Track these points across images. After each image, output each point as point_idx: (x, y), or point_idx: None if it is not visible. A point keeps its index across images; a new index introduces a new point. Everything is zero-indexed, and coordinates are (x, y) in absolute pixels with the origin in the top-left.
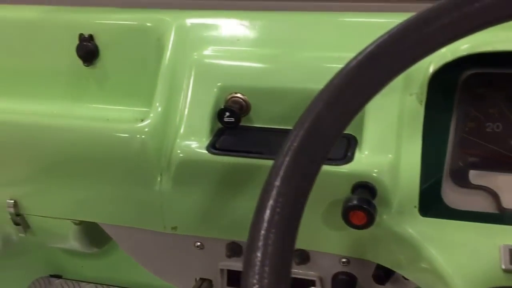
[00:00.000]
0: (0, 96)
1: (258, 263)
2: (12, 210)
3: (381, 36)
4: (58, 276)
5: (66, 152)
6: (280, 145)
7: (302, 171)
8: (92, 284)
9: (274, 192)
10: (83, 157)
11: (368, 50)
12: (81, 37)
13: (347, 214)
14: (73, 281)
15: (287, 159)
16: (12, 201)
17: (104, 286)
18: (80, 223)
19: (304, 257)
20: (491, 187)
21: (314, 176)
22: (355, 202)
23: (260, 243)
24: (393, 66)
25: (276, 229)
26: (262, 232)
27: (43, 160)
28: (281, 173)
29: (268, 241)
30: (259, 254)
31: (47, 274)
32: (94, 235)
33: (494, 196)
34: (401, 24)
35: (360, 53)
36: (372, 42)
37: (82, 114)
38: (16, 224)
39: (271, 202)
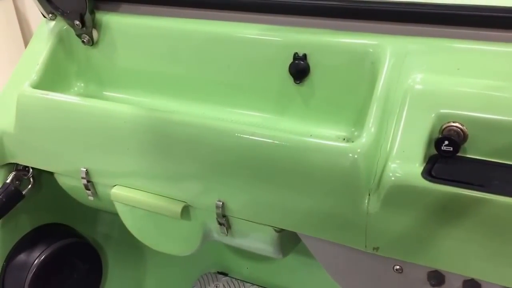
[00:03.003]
0: (211, 104)
1: None
2: (219, 210)
3: None
4: (225, 274)
5: (274, 162)
6: None
7: None
8: (255, 286)
9: None
10: (290, 169)
11: None
12: (295, 55)
13: None
14: (239, 281)
15: None
16: (221, 202)
17: None
18: (281, 231)
19: None
20: None
21: None
22: None
23: None
24: None
25: None
26: None
27: (252, 167)
28: None
29: None
30: None
31: (215, 270)
32: (286, 242)
33: None
34: None
35: None
36: None
37: (284, 127)
38: (220, 224)
39: None
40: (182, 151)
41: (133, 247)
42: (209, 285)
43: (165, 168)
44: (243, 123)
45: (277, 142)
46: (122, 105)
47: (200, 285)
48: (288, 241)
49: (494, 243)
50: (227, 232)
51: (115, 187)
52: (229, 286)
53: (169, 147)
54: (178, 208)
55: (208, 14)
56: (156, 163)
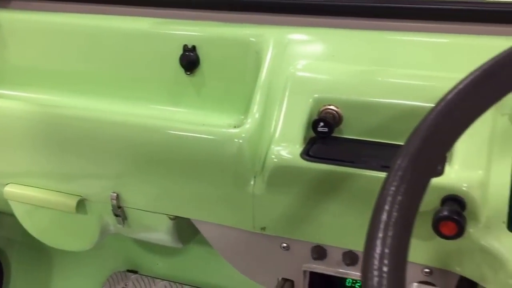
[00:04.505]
0: (107, 98)
1: (378, 252)
2: (114, 202)
3: (496, 56)
4: (134, 272)
5: (166, 152)
6: (385, 153)
7: (419, 173)
8: (166, 282)
9: (392, 190)
10: (181, 157)
11: (483, 68)
12: (185, 47)
13: (437, 224)
14: (148, 277)
15: (405, 161)
16: (115, 194)
17: (178, 284)
18: (175, 218)
19: None
20: None
21: (429, 178)
22: (446, 213)
23: (380, 235)
24: (506, 84)
25: (395, 223)
26: (382, 225)
27: (144, 158)
28: (399, 173)
29: (387, 232)
30: (379, 243)
31: (124, 269)
32: (184, 231)
33: None
34: None
35: (475, 70)
36: (487, 61)
37: (180, 118)
38: (116, 215)
39: (389, 199)
40: (73, 145)
41: (37, 249)
42: (119, 284)
43: (57, 163)
44: (137, 115)
45: (166, 131)
46: (12, 102)
47: (110, 285)
48: (186, 229)
49: (365, 215)
50: (124, 223)
51: (8, 185)
52: (139, 284)
53: (61, 141)
54: (73, 202)
55: (98, 8)
56: (49, 158)
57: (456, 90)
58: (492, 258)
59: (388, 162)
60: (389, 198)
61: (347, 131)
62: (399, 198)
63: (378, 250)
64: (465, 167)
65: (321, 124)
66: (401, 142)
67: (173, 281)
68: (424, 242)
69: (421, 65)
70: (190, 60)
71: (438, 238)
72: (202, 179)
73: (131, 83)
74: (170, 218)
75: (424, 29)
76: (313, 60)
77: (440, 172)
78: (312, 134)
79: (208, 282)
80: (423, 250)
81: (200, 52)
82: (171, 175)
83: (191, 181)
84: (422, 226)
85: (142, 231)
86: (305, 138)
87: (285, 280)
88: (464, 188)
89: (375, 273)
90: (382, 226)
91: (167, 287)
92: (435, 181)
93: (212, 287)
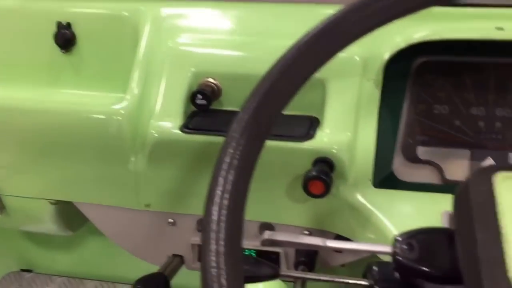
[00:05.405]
0: None
1: (219, 193)
2: None
3: (327, 18)
4: (29, 271)
5: (43, 134)
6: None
7: (258, 125)
8: (63, 278)
9: (234, 143)
10: (59, 138)
11: (316, 30)
12: (59, 25)
13: (306, 184)
14: (45, 275)
15: (246, 116)
16: None
17: (76, 279)
18: (57, 203)
19: (269, 230)
20: (437, 162)
21: (268, 130)
22: (314, 173)
23: (221, 180)
24: (335, 44)
25: (235, 170)
26: (223, 172)
27: (20, 142)
28: (241, 125)
29: (228, 178)
30: (220, 189)
31: (18, 268)
32: (69, 217)
33: (439, 169)
34: (341, 10)
35: (308, 33)
36: (320, 22)
37: (58, 99)
38: None
39: (230, 150)
40: None
41: None
42: (12, 285)
43: None
44: (10, 97)
45: (41, 112)
46: None
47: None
48: (73, 214)
49: None
50: (2, 213)
51: None
52: (35, 283)
53: None
54: None
55: None
56: None
57: (291, 51)
58: (359, 213)
59: None
60: (230, 150)
61: (227, 103)
62: (240, 148)
63: (219, 191)
64: (334, 131)
65: (199, 96)
66: None
67: (72, 277)
68: (301, 205)
69: (295, 35)
70: (65, 38)
71: (313, 200)
72: (81, 159)
73: (3, 64)
74: (51, 203)
75: (303, 0)
76: (192, 34)
77: (311, 136)
78: (194, 108)
79: (107, 274)
80: (300, 213)
81: (76, 29)
82: (48, 157)
83: (70, 162)
84: (297, 189)
85: (24, 221)
86: (186, 113)
87: (174, 256)
88: (333, 151)
89: (214, 210)
90: (223, 172)
91: (65, 284)
92: (307, 144)
93: (113, 278)
